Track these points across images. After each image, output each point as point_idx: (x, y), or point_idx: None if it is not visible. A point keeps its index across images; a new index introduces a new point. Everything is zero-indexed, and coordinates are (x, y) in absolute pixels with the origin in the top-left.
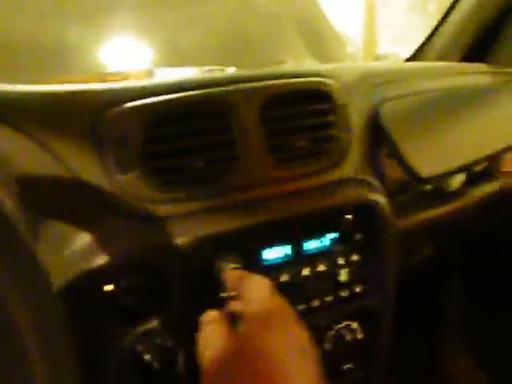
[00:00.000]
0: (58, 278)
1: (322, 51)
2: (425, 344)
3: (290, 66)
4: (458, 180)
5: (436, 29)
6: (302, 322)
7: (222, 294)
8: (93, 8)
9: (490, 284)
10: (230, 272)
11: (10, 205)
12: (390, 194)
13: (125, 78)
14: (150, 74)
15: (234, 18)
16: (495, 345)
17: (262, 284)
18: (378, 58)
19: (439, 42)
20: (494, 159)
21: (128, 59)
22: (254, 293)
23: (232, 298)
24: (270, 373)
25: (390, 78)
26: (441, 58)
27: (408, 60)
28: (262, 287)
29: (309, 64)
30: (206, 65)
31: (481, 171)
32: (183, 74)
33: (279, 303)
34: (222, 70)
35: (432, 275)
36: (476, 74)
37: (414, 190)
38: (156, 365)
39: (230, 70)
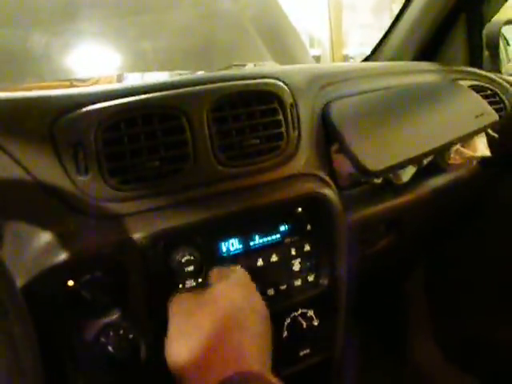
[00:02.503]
0: (21, 277)
1: (284, 53)
2: (394, 335)
3: (248, 68)
4: (408, 173)
5: (390, 29)
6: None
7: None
8: (60, 15)
9: (453, 275)
10: (214, 270)
11: None
12: (342, 188)
13: (95, 84)
14: (120, 79)
15: (199, 24)
16: (461, 334)
17: (238, 269)
18: (346, 58)
19: (393, 42)
20: (440, 153)
21: (98, 65)
22: (231, 273)
23: (199, 284)
24: (225, 316)
25: (340, 78)
26: (395, 58)
27: (365, 60)
28: (238, 271)
29: (268, 66)
30: (175, 69)
31: (429, 164)
32: (153, 77)
33: (246, 281)
34: (191, 73)
35: (396, 266)
36: (424, 72)
37: (365, 184)
38: (119, 355)
39: (199, 74)
